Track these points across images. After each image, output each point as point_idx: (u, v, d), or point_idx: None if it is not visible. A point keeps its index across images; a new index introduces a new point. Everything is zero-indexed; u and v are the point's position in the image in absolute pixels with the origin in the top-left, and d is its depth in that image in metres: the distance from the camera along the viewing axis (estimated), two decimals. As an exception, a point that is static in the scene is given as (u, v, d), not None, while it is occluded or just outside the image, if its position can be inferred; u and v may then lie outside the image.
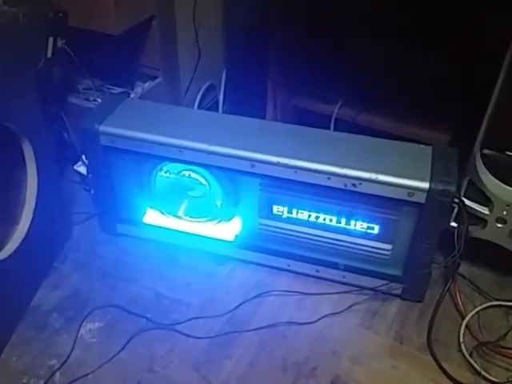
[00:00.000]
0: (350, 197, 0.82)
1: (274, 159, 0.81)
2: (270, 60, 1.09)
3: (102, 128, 0.88)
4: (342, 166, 0.79)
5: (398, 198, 0.78)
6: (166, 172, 0.92)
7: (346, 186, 0.79)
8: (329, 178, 0.80)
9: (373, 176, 0.77)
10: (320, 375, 0.78)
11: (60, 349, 0.82)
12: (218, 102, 1.28)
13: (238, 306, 0.88)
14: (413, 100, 1.03)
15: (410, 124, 1.02)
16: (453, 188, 0.75)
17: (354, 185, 0.79)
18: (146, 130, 0.87)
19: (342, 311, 0.87)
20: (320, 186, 0.81)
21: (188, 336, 0.83)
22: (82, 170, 1.08)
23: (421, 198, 0.76)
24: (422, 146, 0.83)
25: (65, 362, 0.80)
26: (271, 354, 0.81)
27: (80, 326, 0.85)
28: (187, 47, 1.17)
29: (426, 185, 0.75)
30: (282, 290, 0.90)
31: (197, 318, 0.86)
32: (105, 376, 0.78)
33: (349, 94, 1.08)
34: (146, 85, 1.15)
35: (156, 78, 1.15)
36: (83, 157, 1.06)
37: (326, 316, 0.86)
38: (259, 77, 1.15)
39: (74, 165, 1.10)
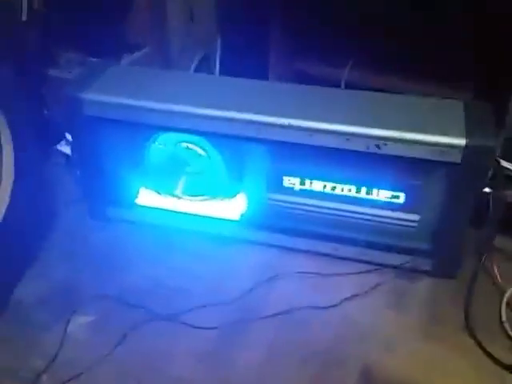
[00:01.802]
0: (371, 161, 0.72)
1: (285, 121, 0.71)
2: (271, 20, 1.00)
3: (86, 96, 0.78)
4: (364, 125, 0.69)
5: (429, 159, 0.68)
6: (160, 144, 0.82)
7: (368, 148, 0.70)
8: (348, 140, 0.70)
9: (400, 134, 0.68)
10: (347, 365, 0.69)
11: (46, 347, 0.72)
12: (213, 72, 1.18)
13: (248, 291, 0.78)
14: (429, 58, 0.93)
15: (428, 83, 0.92)
16: (492, 143, 0.66)
17: (377, 146, 0.69)
18: (136, 95, 0.77)
19: (366, 292, 0.77)
20: (337, 150, 0.71)
21: (193, 327, 0.73)
22: (67, 149, 0.98)
23: (456, 157, 0.67)
24: (451, 100, 0.74)
25: (52, 362, 0.70)
26: (289, 343, 0.72)
27: (69, 321, 0.74)
28: (178, 11, 1.07)
29: (461, 141, 0.66)
30: (297, 272, 0.80)
31: (202, 306, 0.76)
32: (99, 376, 0.68)
33: (359, 55, 0.98)
34: (133, 56, 1.05)
35: (144, 47, 1.05)
36: (67, 134, 0.96)
37: (347, 299, 0.76)
38: (259, 42, 1.06)
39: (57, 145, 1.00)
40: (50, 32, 0.99)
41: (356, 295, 0.77)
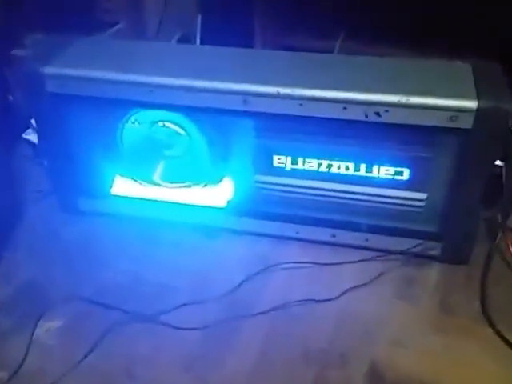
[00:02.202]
0: (371, 132, 0.64)
1: (273, 90, 0.63)
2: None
3: (49, 70, 0.69)
4: (362, 91, 0.61)
5: (436, 126, 0.60)
6: (135, 122, 0.73)
7: (367, 116, 0.62)
8: (345, 109, 0.62)
9: (403, 99, 0.60)
10: (352, 363, 0.61)
11: (10, 356, 0.63)
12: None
13: (238, 285, 0.70)
14: (428, 24, 0.86)
15: (428, 52, 0.84)
16: (507, 105, 0.58)
17: (377, 114, 0.61)
18: (105, 68, 0.69)
19: (369, 282, 0.69)
20: (333, 120, 0.63)
21: (177, 328, 0.65)
22: (33, 138, 0.89)
23: (467, 123, 0.59)
24: (458, 62, 0.66)
25: (16, 372, 0.61)
26: (286, 341, 0.63)
27: (35, 326, 0.66)
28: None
29: (473, 104, 0.58)
30: (291, 263, 0.72)
31: (187, 304, 0.67)
32: (69, 387, 0.60)
33: (352, 25, 0.90)
34: (106, 34, 0.97)
35: (117, 23, 0.97)
36: (32, 121, 0.87)
37: (349, 290, 0.68)
38: (243, 20, 0.98)
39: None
40: (13, 10, 0.90)
41: (358, 286, 0.69)
